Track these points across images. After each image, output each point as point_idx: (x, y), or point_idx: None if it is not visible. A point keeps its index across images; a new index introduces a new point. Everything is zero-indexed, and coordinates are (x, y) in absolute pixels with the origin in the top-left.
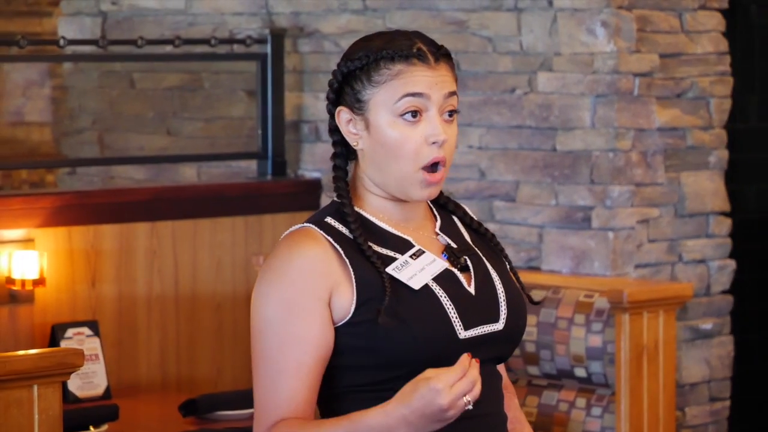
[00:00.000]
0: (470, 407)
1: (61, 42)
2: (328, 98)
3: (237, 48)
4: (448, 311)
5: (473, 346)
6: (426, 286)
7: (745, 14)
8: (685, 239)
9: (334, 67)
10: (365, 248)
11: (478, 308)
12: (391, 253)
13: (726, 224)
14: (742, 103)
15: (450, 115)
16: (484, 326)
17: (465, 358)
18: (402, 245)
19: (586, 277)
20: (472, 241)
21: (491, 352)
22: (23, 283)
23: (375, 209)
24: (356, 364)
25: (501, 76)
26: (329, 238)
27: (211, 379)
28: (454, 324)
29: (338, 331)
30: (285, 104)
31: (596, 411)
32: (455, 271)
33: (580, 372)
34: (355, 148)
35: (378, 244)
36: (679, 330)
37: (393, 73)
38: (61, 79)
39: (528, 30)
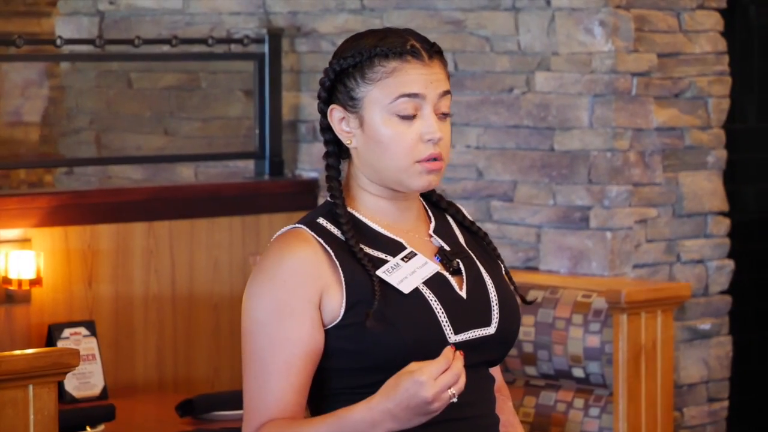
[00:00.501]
0: (455, 400)
1: (58, 42)
2: (319, 96)
3: (234, 48)
4: (437, 315)
5: (464, 350)
6: (416, 290)
7: (743, 14)
8: (683, 239)
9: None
10: (356, 250)
11: (469, 312)
12: (382, 255)
13: (724, 224)
14: (740, 104)
15: (444, 116)
16: (476, 330)
17: (448, 350)
18: (394, 247)
19: (584, 277)
20: (467, 242)
21: (483, 356)
22: (20, 282)
23: (368, 209)
24: (346, 367)
25: (498, 75)
26: (320, 239)
27: (208, 380)
28: (443, 328)
29: (328, 333)
30: (282, 104)
31: (594, 411)
32: (447, 274)
33: (577, 372)
34: (348, 146)
35: (370, 246)
36: (677, 330)
37: (388, 70)
38: (59, 79)
39: (526, 29)
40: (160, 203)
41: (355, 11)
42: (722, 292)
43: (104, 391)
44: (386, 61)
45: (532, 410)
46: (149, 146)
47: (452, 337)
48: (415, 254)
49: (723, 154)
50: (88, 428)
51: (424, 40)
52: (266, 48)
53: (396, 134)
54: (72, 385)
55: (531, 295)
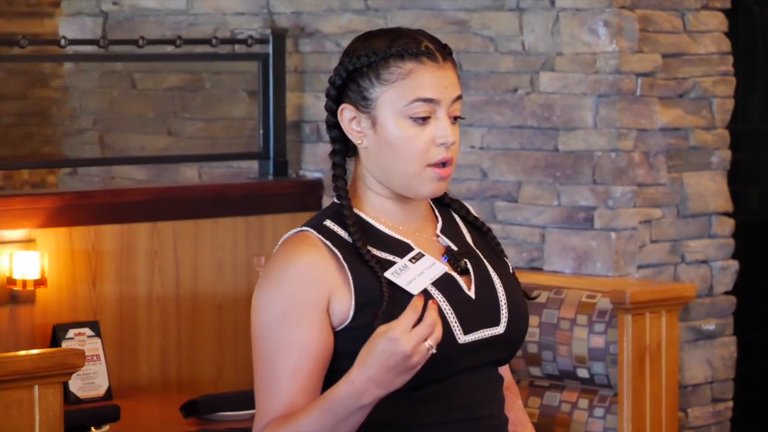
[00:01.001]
0: (433, 351)
1: (62, 42)
2: (328, 95)
3: (238, 48)
4: (446, 316)
5: (473, 350)
6: (425, 291)
7: (747, 15)
8: (687, 240)
9: (336, 65)
10: (364, 253)
11: (478, 312)
12: (390, 257)
13: (729, 225)
14: (744, 104)
15: (454, 120)
16: (485, 330)
17: (417, 300)
18: (401, 248)
19: (588, 278)
20: (474, 242)
21: (492, 356)
22: (24, 283)
23: (375, 210)
24: None
25: (503, 76)
26: (327, 242)
27: (212, 380)
28: (453, 328)
29: (337, 335)
30: (286, 104)
31: (599, 412)
32: (455, 274)
33: (582, 373)
34: (358, 146)
35: (377, 248)
36: (682, 331)
37: (403, 72)
38: (62, 79)
39: (530, 30)
40: (164, 204)
41: (359, 11)
42: (727, 293)
43: (108, 391)
44: (402, 62)
45: (537, 411)
46: (153, 147)
47: (461, 338)
48: (423, 255)
49: (727, 154)
50: (92, 429)
51: (436, 41)
52: (270, 48)
53: (409, 137)
54: (76, 385)
55: (535, 296)
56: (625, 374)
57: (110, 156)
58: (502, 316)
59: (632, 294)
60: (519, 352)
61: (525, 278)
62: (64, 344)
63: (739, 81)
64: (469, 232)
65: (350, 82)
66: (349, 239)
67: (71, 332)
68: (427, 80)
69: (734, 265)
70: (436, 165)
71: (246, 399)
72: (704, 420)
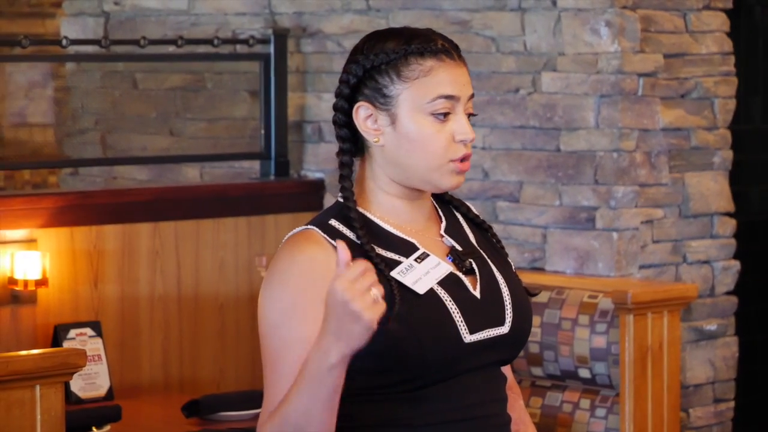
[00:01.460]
0: (379, 299)
1: (64, 42)
2: (339, 93)
3: (240, 48)
4: (453, 315)
5: (478, 350)
6: (431, 290)
7: (749, 15)
8: (689, 240)
9: (341, 66)
10: (371, 252)
11: (483, 312)
12: (395, 257)
13: (730, 225)
14: (746, 105)
15: (468, 117)
16: (490, 330)
17: (363, 261)
18: (406, 248)
19: (590, 278)
20: (477, 241)
21: (496, 356)
22: (26, 283)
23: (381, 209)
24: (362, 367)
25: (505, 76)
26: (332, 241)
27: (214, 380)
28: (459, 328)
29: None
30: (288, 104)
31: (600, 412)
32: (460, 274)
33: (584, 373)
34: (374, 143)
35: (382, 247)
36: (684, 331)
37: (425, 69)
38: (64, 80)
39: (532, 30)
40: (166, 204)
41: (360, 12)
42: (728, 293)
43: (110, 391)
44: (422, 60)
45: (539, 411)
46: (155, 147)
47: (467, 337)
48: (428, 255)
49: (729, 154)
50: (94, 429)
51: (449, 40)
52: (272, 48)
53: (430, 133)
54: (78, 385)
55: (537, 296)
56: (626, 374)
57: (112, 156)
58: (506, 315)
59: (634, 294)
60: (521, 352)
61: (527, 278)
62: (66, 344)
63: (741, 81)
64: (472, 231)
65: (367, 79)
66: (354, 238)
67: (73, 332)
68: (448, 77)
69: (736, 265)
70: (457, 159)
71: (247, 399)
72: (706, 420)
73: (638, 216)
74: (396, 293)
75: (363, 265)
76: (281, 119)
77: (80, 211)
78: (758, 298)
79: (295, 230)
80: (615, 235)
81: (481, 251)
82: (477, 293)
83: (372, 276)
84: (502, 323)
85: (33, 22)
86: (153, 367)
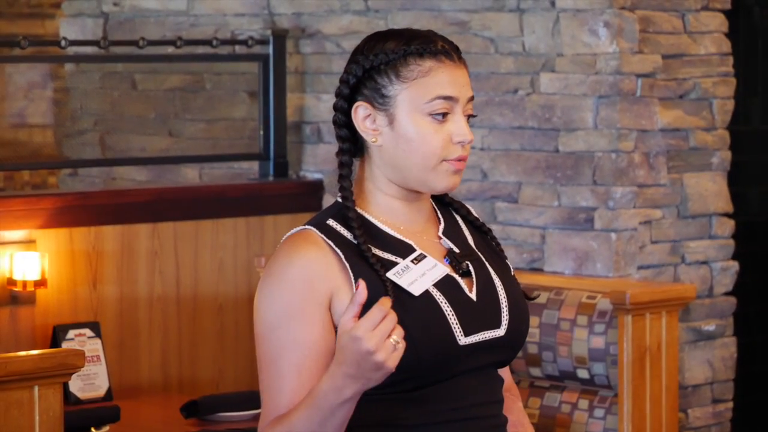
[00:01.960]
0: (400, 346)
1: (63, 43)
2: (339, 93)
3: (239, 49)
4: (448, 317)
5: (474, 352)
6: (426, 292)
7: (748, 16)
8: (687, 240)
9: (340, 67)
10: (367, 253)
11: (479, 314)
12: (392, 258)
13: (729, 225)
14: (744, 106)
15: (468, 119)
16: (486, 332)
17: (385, 300)
18: (403, 249)
19: (588, 279)
20: (475, 243)
21: (492, 358)
22: (24, 284)
23: (379, 210)
24: None
25: (503, 76)
26: (330, 241)
27: (213, 381)
28: (454, 330)
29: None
30: (287, 105)
31: (599, 412)
32: (456, 276)
33: (582, 373)
34: (372, 144)
35: (379, 248)
36: (682, 331)
37: (423, 70)
38: (63, 81)
39: (530, 31)
40: (165, 204)
41: (359, 12)
42: (727, 294)
43: (109, 392)
44: (421, 60)
45: (537, 411)
46: (154, 147)
47: (462, 339)
48: (425, 256)
49: (727, 155)
50: (92, 429)
51: (449, 41)
52: (271, 49)
53: (428, 134)
54: (77, 386)
55: (532, 295)
56: (625, 375)
57: (111, 157)
58: (503, 318)
59: (632, 295)
60: (519, 353)
61: (525, 279)
62: (65, 345)
63: (739, 82)
64: (471, 233)
65: (366, 79)
66: (352, 239)
67: (71, 333)
68: (447, 78)
69: (734, 265)
70: (452, 160)
71: (246, 400)
72: (704, 421)
73: (637, 216)
74: (391, 294)
75: (383, 310)
76: (280, 120)
77: (79, 211)
78: (757, 299)
79: (292, 230)
80: (613, 235)
81: (479, 253)
82: (473, 295)
83: (392, 321)
84: (498, 325)
85: (32, 23)
86: (152, 367)
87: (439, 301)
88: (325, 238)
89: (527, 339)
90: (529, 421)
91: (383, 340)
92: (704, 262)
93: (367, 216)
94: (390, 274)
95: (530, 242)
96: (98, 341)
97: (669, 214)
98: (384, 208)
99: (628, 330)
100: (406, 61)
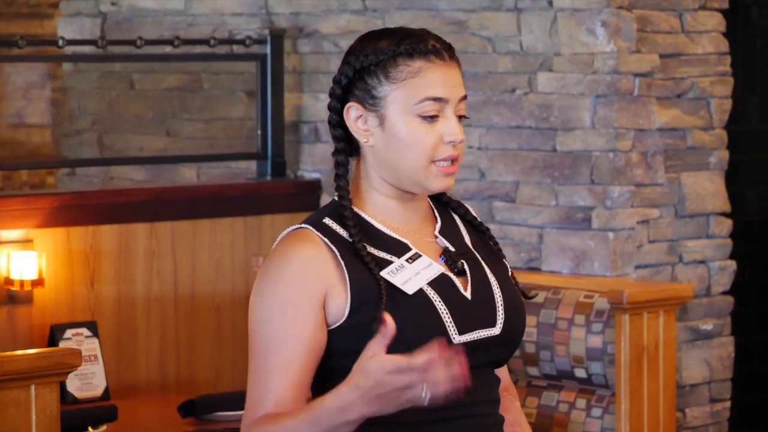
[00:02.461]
0: (425, 402)
1: (60, 42)
2: (332, 94)
3: (236, 48)
4: (442, 316)
5: (468, 351)
6: (420, 291)
7: (746, 15)
8: (685, 240)
9: (341, 63)
10: (362, 252)
11: (473, 313)
12: (387, 256)
13: (726, 225)
14: (743, 105)
15: (460, 119)
16: (480, 331)
17: (441, 346)
18: (399, 248)
19: (586, 278)
20: (472, 242)
21: (488, 357)
22: (22, 283)
23: (375, 209)
24: (350, 367)
25: (501, 76)
26: (325, 239)
27: (211, 380)
28: (447, 329)
29: (332, 333)
30: (284, 105)
31: (596, 412)
32: (451, 275)
33: (580, 373)
34: (364, 144)
35: (375, 247)
36: (680, 331)
37: (413, 70)
38: (61, 81)
39: (528, 30)
40: (163, 204)
41: (357, 12)
42: (724, 293)
43: (106, 391)
44: (411, 61)
45: (535, 411)
46: (151, 147)
47: (456, 338)
48: (420, 255)
49: (725, 154)
50: (90, 429)
51: (442, 41)
52: (268, 49)
53: (418, 134)
54: (74, 385)
55: (530, 294)
56: (622, 374)
57: (109, 156)
58: (498, 317)
59: (630, 294)
60: (516, 352)
61: (523, 278)
62: (62, 344)
63: (738, 82)
64: (468, 232)
65: (357, 80)
66: (348, 237)
67: (69, 332)
68: (436, 79)
69: (732, 265)
70: (442, 161)
71: (243, 399)
72: (702, 420)
73: (634, 216)
74: (384, 294)
75: (428, 358)
76: (278, 119)
77: (76, 211)
78: (755, 298)
79: (289, 229)
80: (611, 235)
81: (475, 252)
82: (468, 294)
83: (441, 371)
84: (493, 324)
85: (31, 22)
86: (149, 367)
87: (432, 300)
88: (321, 236)
89: (525, 338)
90: (527, 421)
91: (420, 382)
92: (702, 262)
93: (363, 215)
94: (384, 273)
95: (528, 242)
96: (96, 341)
97: (666, 214)
98: (380, 207)
99: (625, 329)
100: (396, 62)
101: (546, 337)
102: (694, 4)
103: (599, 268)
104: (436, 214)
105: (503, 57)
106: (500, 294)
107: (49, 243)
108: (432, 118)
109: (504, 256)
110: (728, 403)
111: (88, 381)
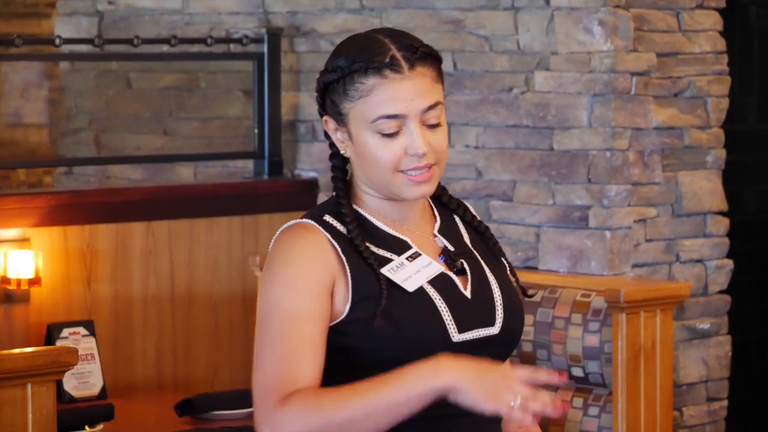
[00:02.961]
0: (516, 413)
1: (57, 41)
2: (317, 102)
3: (233, 47)
4: (441, 314)
5: (467, 350)
6: (420, 289)
7: (743, 15)
8: (682, 239)
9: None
10: (362, 248)
11: (473, 312)
12: (387, 254)
13: (723, 224)
14: (740, 105)
15: (431, 128)
16: (479, 330)
17: (554, 374)
18: (399, 246)
19: (583, 277)
20: (472, 242)
21: (486, 356)
22: (18, 282)
23: (373, 209)
24: (348, 363)
25: (498, 75)
26: (327, 234)
27: (207, 379)
28: (447, 327)
29: (331, 330)
30: (281, 104)
31: (593, 411)
32: (451, 274)
33: (577, 372)
34: (344, 155)
35: (374, 245)
36: (677, 330)
37: (367, 88)
38: (58, 80)
39: (525, 29)
40: (160, 203)
41: (354, 11)
42: (721, 292)
43: (103, 390)
44: (364, 78)
45: None
46: (148, 146)
47: (456, 336)
48: (420, 254)
49: (722, 153)
50: (86, 427)
51: (407, 47)
52: (265, 48)
53: (379, 149)
54: (71, 384)
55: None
56: (619, 373)
57: (106, 155)
58: (497, 316)
59: (627, 293)
60: (514, 351)
61: (520, 277)
62: (59, 343)
63: (735, 81)
64: (468, 231)
65: (327, 95)
66: (348, 234)
67: (66, 331)
68: (389, 95)
69: (729, 264)
70: (411, 170)
71: (241, 398)
72: (699, 419)
73: (631, 215)
74: (384, 290)
75: (546, 401)
76: (275, 118)
77: (73, 210)
78: (751, 298)
79: (289, 223)
80: (608, 233)
81: (475, 252)
82: (467, 293)
83: (539, 404)
84: (492, 323)
85: (29, 22)
86: (146, 366)
87: (433, 298)
88: (322, 230)
89: (522, 337)
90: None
91: (522, 391)
92: (699, 261)
93: (362, 212)
94: (384, 270)
95: (525, 240)
96: (92, 340)
97: (663, 213)
98: (377, 207)
99: (622, 328)
100: (353, 79)
101: (543, 336)
102: (691, 3)
103: (596, 267)
104: (436, 212)
105: (500, 56)
106: (499, 293)
107: (46, 242)
108: (392, 135)
109: (504, 255)
110: (725, 402)
111: (84, 380)
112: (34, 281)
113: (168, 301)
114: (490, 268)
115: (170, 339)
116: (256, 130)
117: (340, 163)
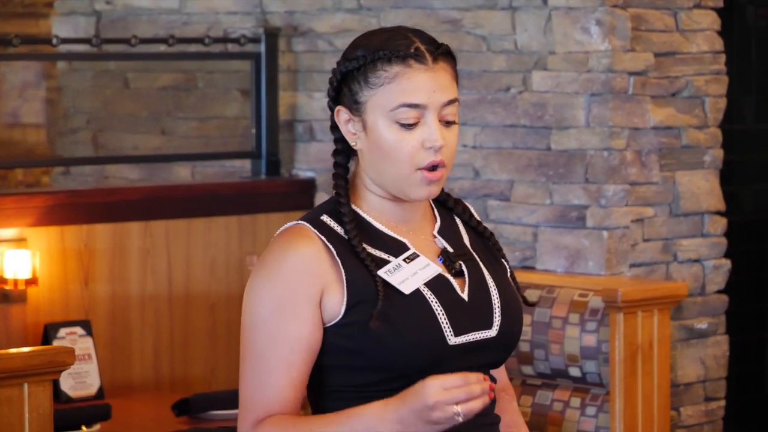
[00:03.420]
0: (459, 419)
1: (55, 41)
2: (328, 95)
3: (231, 47)
4: (438, 316)
5: (464, 352)
6: (417, 291)
7: (741, 15)
8: (679, 239)
9: (332, 66)
10: (359, 249)
11: (470, 314)
12: (384, 256)
13: (721, 223)
14: (738, 105)
15: (448, 124)
16: (476, 333)
17: (476, 376)
18: (397, 248)
19: (580, 277)
20: (472, 243)
21: (484, 358)
22: (15, 282)
23: (373, 209)
24: (344, 365)
25: (495, 75)
26: (323, 237)
27: (205, 379)
28: (443, 329)
29: (327, 331)
30: (279, 103)
31: (591, 410)
32: (449, 276)
33: (574, 371)
34: (354, 147)
35: (372, 246)
36: (674, 329)
37: (390, 75)
38: (56, 80)
39: (522, 29)
40: (157, 203)
41: (351, 10)
42: (719, 292)
43: (100, 390)
44: (389, 66)
45: (529, 409)
46: (146, 146)
47: (452, 339)
48: (418, 255)
49: (720, 153)
50: (83, 427)
51: (430, 41)
52: (263, 47)
53: (397, 141)
54: (68, 384)
55: (528, 295)
56: (617, 373)
57: (103, 155)
58: (494, 319)
59: (624, 292)
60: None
61: (518, 277)
62: (56, 343)
63: (733, 81)
64: (468, 233)
65: (343, 85)
66: (345, 235)
67: (63, 331)
68: (413, 84)
69: (727, 264)
70: (425, 168)
71: (237, 398)
72: (696, 419)
73: (629, 214)
74: (380, 292)
75: (464, 378)
76: (272, 118)
77: (71, 210)
78: (749, 297)
79: (286, 225)
80: (605, 233)
81: (474, 253)
82: (465, 295)
83: (466, 393)
84: (489, 326)
85: (27, 22)
86: (144, 366)
87: (429, 300)
88: (318, 233)
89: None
90: (524, 422)
91: (448, 403)
92: (696, 260)
93: (361, 213)
94: (381, 272)
95: (522, 240)
96: (90, 339)
97: (661, 212)
98: (377, 207)
99: (619, 328)
100: (375, 66)
101: (540, 335)
102: (688, 2)
103: (594, 267)
104: (436, 213)
105: (498, 55)
106: (497, 296)
107: (43, 242)
108: (410, 126)
109: (504, 257)
110: (723, 402)
111: (81, 380)
112: (31, 281)
113: (165, 300)
114: (488, 270)
115: (168, 339)
116: (253, 130)
117: (343, 161)
